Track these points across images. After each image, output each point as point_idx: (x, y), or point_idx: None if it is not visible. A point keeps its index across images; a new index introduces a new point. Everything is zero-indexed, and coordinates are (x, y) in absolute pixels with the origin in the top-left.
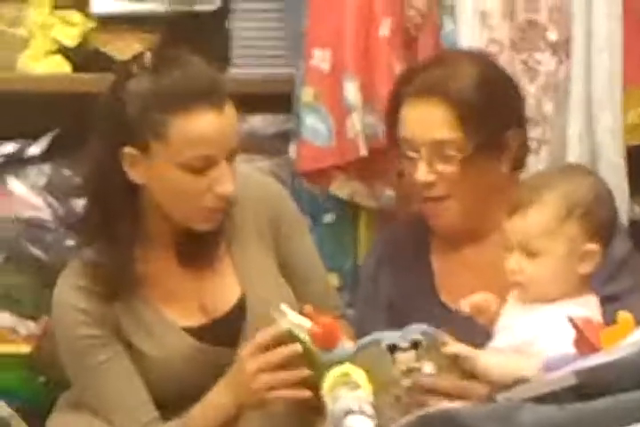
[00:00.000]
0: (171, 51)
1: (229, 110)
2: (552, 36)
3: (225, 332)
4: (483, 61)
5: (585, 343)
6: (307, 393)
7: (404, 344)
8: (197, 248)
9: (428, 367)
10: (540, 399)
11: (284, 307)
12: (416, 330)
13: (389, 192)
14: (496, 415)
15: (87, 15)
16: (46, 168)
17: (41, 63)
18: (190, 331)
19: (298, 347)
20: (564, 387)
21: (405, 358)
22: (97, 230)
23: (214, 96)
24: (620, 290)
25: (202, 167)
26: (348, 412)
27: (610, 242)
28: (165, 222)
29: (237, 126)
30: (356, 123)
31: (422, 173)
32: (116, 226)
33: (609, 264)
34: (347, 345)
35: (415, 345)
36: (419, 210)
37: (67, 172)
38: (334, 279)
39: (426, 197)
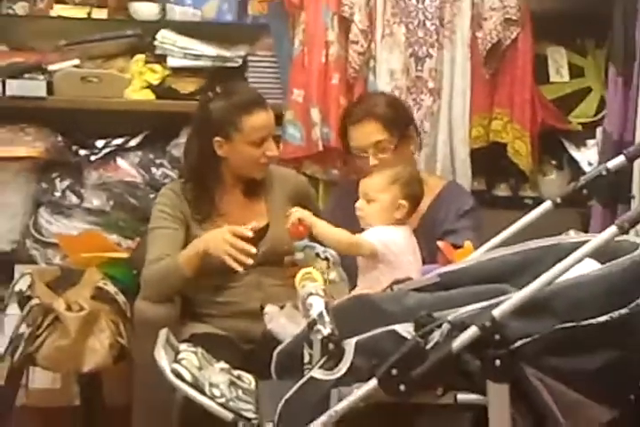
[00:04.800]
0: (229, 84)
1: (269, 108)
2: (430, 84)
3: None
4: (390, 96)
5: (444, 259)
6: (249, 261)
7: (323, 256)
8: (251, 190)
9: (332, 275)
10: (419, 290)
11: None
12: (329, 251)
13: (335, 171)
14: (392, 298)
15: (164, 67)
16: (140, 153)
17: (138, 94)
18: None
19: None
20: (432, 283)
21: (321, 265)
22: (193, 183)
23: (263, 102)
24: (457, 227)
25: (260, 142)
26: (310, 294)
27: (416, 204)
28: (234, 176)
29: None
30: (317, 132)
31: (372, 162)
32: (205, 179)
33: (458, 212)
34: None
35: (327, 259)
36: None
37: (152, 156)
38: None
39: (372, 167)
